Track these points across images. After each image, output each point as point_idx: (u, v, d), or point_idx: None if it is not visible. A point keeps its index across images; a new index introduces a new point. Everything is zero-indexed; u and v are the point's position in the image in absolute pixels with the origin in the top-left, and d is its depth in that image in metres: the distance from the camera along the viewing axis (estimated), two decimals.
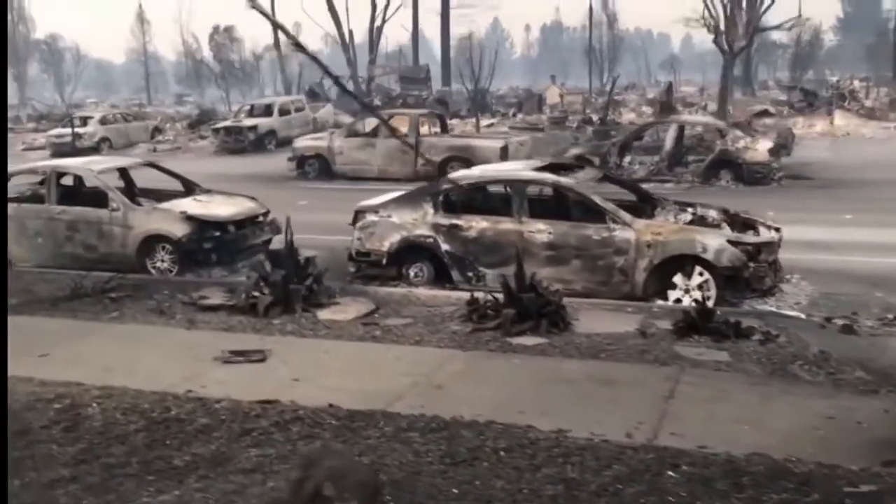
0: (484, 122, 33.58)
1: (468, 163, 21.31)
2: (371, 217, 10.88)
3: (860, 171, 20.57)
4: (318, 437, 5.64)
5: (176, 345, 8.20)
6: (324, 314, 8.92)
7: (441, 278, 10.61)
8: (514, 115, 38.18)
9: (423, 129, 23.04)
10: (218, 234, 11.71)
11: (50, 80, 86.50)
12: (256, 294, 9.09)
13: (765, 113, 31.63)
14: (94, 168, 12.56)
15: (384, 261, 10.76)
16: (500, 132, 29.19)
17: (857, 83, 44.94)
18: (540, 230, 10.01)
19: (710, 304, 9.40)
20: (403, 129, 22.81)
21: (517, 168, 11.15)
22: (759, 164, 19.36)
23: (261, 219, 12.50)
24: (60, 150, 31.87)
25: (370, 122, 23.81)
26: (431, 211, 10.58)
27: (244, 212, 12.26)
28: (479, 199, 11.03)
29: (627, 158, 20.95)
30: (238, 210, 12.21)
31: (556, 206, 10.84)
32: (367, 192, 19.82)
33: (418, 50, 58.70)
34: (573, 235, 9.89)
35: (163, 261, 11.62)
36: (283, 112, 31.73)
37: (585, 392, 6.67)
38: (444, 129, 23.88)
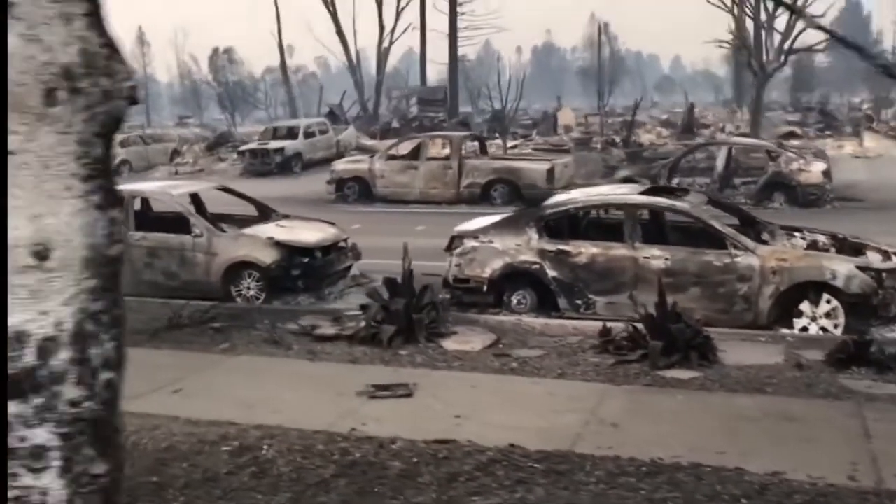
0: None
1: (513, 185, 21.22)
2: (471, 242, 10.55)
3: None
4: (532, 482, 5.28)
5: (307, 378, 7.84)
6: (449, 344, 8.58)
7: (543, 306, 10.29)
8: (532, 136, 37.97)
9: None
10: (306, 260, 11.35)
11: None
12: (376, 323, 8.73)
13: (791, 134, 31.57)
14: (173, 192, 12.20)
15: (485, 288, 10.43)
16: (525, 153, 28.93)
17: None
18: (656, 256, 9.71)
19: (838, 332, 9.14)
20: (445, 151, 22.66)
21: (624, 192, 10.85)
22: (813, 185, 19.19)
23: (343, 244, 12.16)
24: None
25: (408, 145, 23.57)
26: (536, 236, 10.26)
27: (329, 237, 11.92)
28: (583, 223, 10.73)
29: (676, 180, 20.70)
30: (324, 236, 11.87)
31: (664, 230, 10.55)
32: (416, 215, 19.81)
33: (426, 71, 58.66)
34: (692, 262, 9.59)
35: (249, 288, 11.25)
36: (308, 135, 31.43)
37: (772, 430, 6.33)
38: (484, 150, 23.62)
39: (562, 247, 10.12)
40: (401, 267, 9.23)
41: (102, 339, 2.83)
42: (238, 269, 11.27)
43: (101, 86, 2.77)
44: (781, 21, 27.65)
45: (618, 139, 34.50)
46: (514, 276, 10.35)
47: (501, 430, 6.28)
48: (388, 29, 52.12)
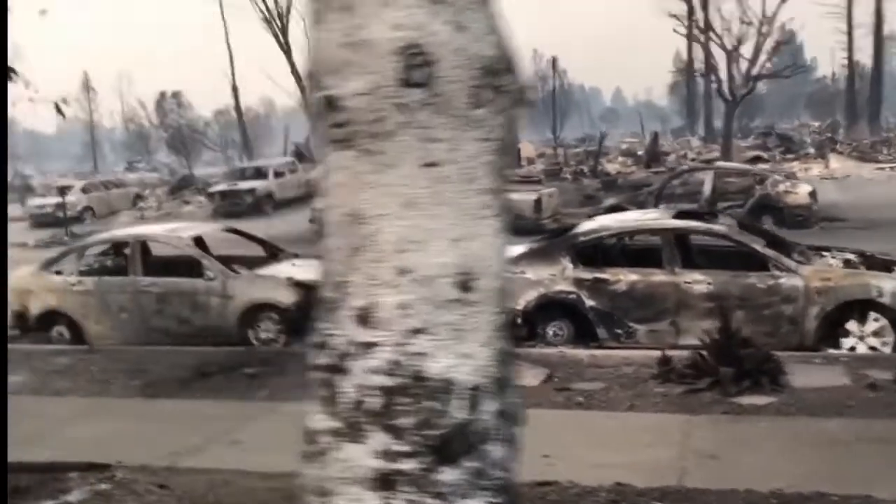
0: None
1: None
2: None
3: (889, 211, 20.69)
4: None
5: None
6: None
7: (580, 336, 10.04)
8: None
9: None
10: None
11: None
12: None
13: (758, 159, 32.10)
14: (183, 235, 11.72)
15: (518, 320, 10.13)
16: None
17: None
18: (698, 280, 9.54)
19: (887, 350, 9.07)
20: None
21: (658, 217, 10.72)
22: (800, 207, 19.39)
23: None
24: (42, 221, 30.66)
25: None
26: (570, 265, 10.02)
27: None
28: (617, 250, 10.53)
29: (661, 206, 20.73)
30: None
31: (691, 254, 10.40)
32: None
33: None
34: (735, 285, 9.44)
35: (267, 331, 10.80)
36: (278, 174, 30.99)
37: (873, 454, 6.13)
38: None
39: (599, 275, 9.90)
40: None
41: (513, 387, 2.46)
42: (255, 311, 10.81)
43: (516, 84, 2.41)
44: (746, 48, 28.24)
45: (585, 169, 34.74)
46: (548, 307, 10.09)
47: (598, 469, 5.98)
48: None
